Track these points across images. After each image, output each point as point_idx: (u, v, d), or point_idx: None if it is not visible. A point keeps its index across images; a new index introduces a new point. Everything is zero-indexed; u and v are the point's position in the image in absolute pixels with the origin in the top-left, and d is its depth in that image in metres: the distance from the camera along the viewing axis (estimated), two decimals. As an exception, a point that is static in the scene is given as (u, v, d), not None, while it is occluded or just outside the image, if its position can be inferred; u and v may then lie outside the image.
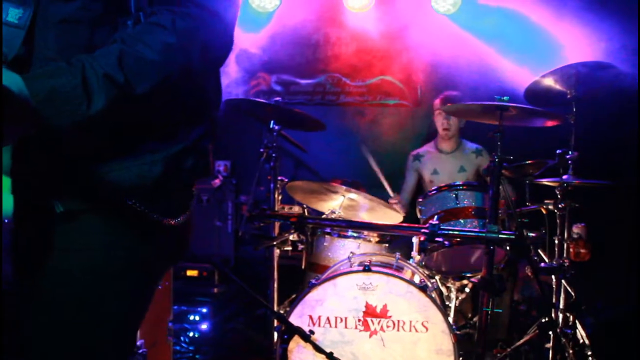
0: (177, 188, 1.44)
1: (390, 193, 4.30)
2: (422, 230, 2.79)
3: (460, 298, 3.64)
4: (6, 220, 1.19)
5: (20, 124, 1.13)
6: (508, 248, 3.26)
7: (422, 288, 2.84)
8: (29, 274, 1.33)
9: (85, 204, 1.31)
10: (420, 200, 3.60)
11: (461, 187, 3.40)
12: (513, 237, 2.78)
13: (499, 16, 4.88)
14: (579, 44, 4.36)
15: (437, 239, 2.84)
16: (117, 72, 1.19)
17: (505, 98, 2.97)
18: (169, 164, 1.35)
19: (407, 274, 3.19)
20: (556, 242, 3.44)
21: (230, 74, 5.37)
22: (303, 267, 3.72)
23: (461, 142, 4.52)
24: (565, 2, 4.55)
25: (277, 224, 3.63)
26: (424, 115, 5.23)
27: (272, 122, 3.57)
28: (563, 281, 3.41)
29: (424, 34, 5.12)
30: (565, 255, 3.47)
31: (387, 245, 3.63)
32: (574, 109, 3.55)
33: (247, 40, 5.45)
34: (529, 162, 3.48)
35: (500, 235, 2.75)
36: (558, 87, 3.57)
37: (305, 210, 3.92)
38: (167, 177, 1.36)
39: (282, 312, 3.46)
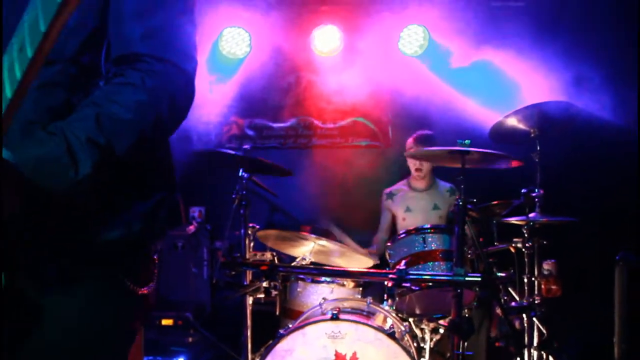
0: (151, 246, 1.48)
1: (361, 251, 4.19)
2: (390, 276, 2.80)
3: (435, 339, 3.63)
4: None
5: (10, 195, 1.13)
6: (477, 289, 3.27)
7: (391, 334, 2.84)
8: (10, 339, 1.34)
9: (75, 269, 1.33)
10: (389, 244, 3.62)
11: (429, 230, 3.42)
12: (480, 279, 2.80)
13: (463, 59, 4.99)
14: (537, 82, 4.47)
15: (404, 284, 2.85)
16: (97, 135, 1.22)
17: (466, 142, 3.03)
18: (146, 218, 1.39)
19: (378, 319, 3.18)
20: (525, 280, 3.47)
21: (203, 119, 5.40)
22: (277, 313, 3.71)
23: (434, 181, 4.56)
24: (520, 45, 4.69)
25: (249, 272, 3.63)
26: (395, 155, 5.27)
27: (240, 170, 3.60)
28: (534, 319, 3.42)
29: (393, 76, 5.22)
30: (536, 292, 3.50)
31: (360, 289, 3.63)
32: (538, 147, 3.62)
33: (219, 86, 5.51)
34: (495, 202, 3.53)
35: (466, 278, 2.76)
36: (521, 126, 3.64)
37: (276, 258, 3.92)
38: (146, 232, 1.39)
39: (255, 361, 3.44)
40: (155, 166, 1.45)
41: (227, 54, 5.43)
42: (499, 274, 3.29)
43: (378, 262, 4.01)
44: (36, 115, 1.30)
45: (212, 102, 5.47)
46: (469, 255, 3.34)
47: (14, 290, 1.30)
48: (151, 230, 1.42)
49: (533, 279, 3.50)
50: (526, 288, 3.47)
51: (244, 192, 3.63)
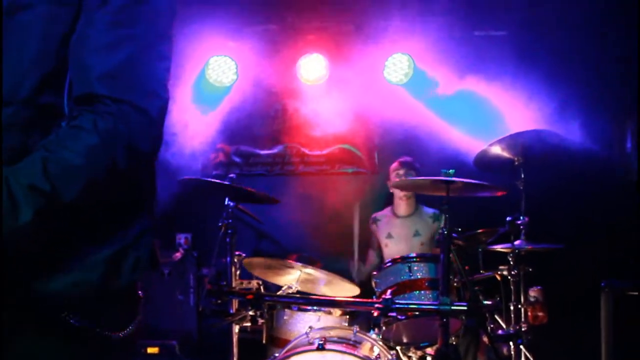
0: (119, 292, 1.40)
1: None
2: (376, 306, 2.81)
3: (422, 368, 3.62)
4: None
5: None
6: (463, 317, 3.28)
7: (377, 365, 2.83)
8: None
9: (31, 318, 1.28)
10: (375, 273, 3.63)
11: (415, 259, 3.43)
12: (466, 307, 2.81)
13: (447, 87, 5.05)
14: (520, 111, 4.54)
15: (390, 313, 2.84)
16: (42, 182, 1.19)
17: (450, 171, 3.06)
18: (108, 265, 1.33)
19: (365, 349, 3.17)
20: (512, 307, 3.48)
21: (190, 147, 5.41)
22: (264, 341, 3.68)
23: (418, 207, 4.59)
24: (503, 74, 4.77)
25: (235, 300, 3.61)
26: (382, 181, 5.28)
27: (226, 199, 3.62)
28: (521, 346, 3.43)
29: (379, 103, 5.27)
30: (522, 319, 3.51)
31: (347, 317, 3.62)
32: (522, 175, 3.66)
33: (205, 114, 5.53)
34: (480, 230, 3.55)
35: (452, 307, 2.77)
36: (505, 154, 3.69)
37: (262, 286, 3.91)
38: (107, 279, 1.33)
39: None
40: (120, 210, 1.38)
41: (214, 82, 5.46)
42: (485, 302, 3.30)
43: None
44: None
45: (198, 129, 5.47)
46: (455, 284, 3.35)
47: None
48: (116, 279, 1.35)
49: (519, 306, 3.51)
50: (512, 315, 3.49)
51: (230, 221, 3.63)
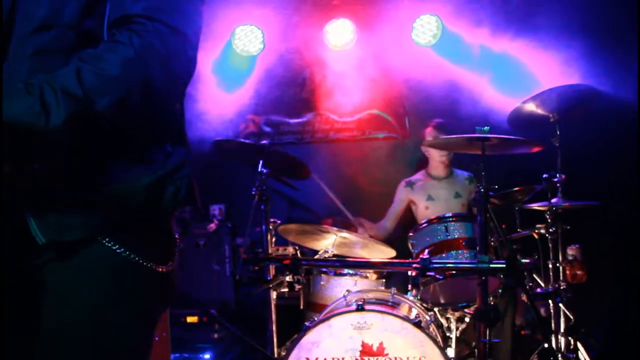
0: (159, 222, 1.45)
1: (350, 217, 4.33)
2: (414, 266, 2.80)
3: (460, 328, 3.61)
4: None
5: None
6: (502, 276, 3.26)
7: (417, 324, 2.84)
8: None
9: (74, 235, 1.31)
10: (411, 234, 3.61)
11: (451, 219, 3.41)
12: (504, 265, 2.79)
13: (477, 46, 4.96)
14: (553, 67, 4.43)
15: (429, 273, 2.84)
16: (75, 87, 1.21)
17: (486, 128, 3.02)
18: (149, 191, 1.37)
19: (403, 310, 3.19)
20: (550, 266, 3.45)
21: (220, 117, 5.43)
22: (301, 307, 3.72)
23: (452, 170, 4.55)
24: (535, 29, 4.65)
25: (272, 266, 3.64)
26: (413, 146, 5.25)
27: (260, 165, 3.61)
28: (561, 305, 3.41)
29: (407, 66, 5.19)
30: (561, 278, 3.48)
31: (384, 280, 3.64)
32: (558, 132, 3.60)
33: (234, 84, 5.53)
34: (517, 188, 3.51)
35: (491, 265, 2.75)
36: (540, 111, 3.62)
37: (298, 251, 3.93)
38: (151, 204, 1.37)
39: (282, 354, 3.45)
40: (158, 134, 1.41)
41: (241, 52, 5.44)
42: (523, 261, 3.28)
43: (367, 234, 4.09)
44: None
45: (227, 100, 5.49)
46: (492, 243, 3.33)
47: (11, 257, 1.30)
48: (158, 205, 1.39)
49: (557, 264, 3.48)
50: (551, 274, 3.46)
51: (264, 188, 3.64)
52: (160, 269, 1.43)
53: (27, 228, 1.29)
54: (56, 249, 1.32)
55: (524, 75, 4.68)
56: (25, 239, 1.30)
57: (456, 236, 3.35)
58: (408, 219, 4.66)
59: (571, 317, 3.42)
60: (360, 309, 2.88)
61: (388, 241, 4.16)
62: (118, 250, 1.35)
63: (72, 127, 1.22)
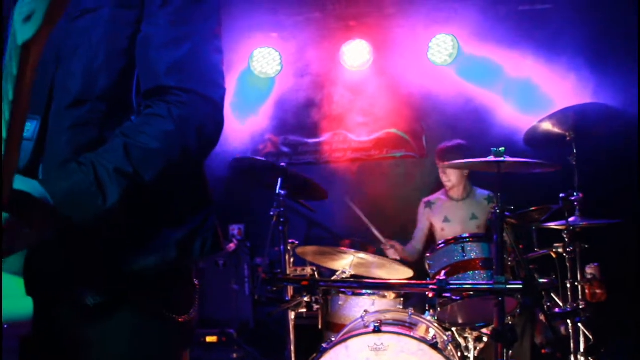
0: (185, 275, 1.53)
1: (382, 239, 4.40)
2: (431, 287, 2.81)
3: (479, 348, 3.61)
4: (5, 326, 1.23)
5: (41, 226, 1.22)
6: (519, 296, 3.25)
7: (433, 345, 2.84)
8: None
9: (112, 296, 1.38)
10: (428, 255, 3.62)
11: (468, 240, 3.42)
12: (521, 286, 2.78)
13: (494, 65, 4.98)
14: (568, 86, 4.44)
15: (445, 294, 2.85)
16: (125, 164, 1.29)
17: (501, 150, 3.03)
18: (180, 247, 1.43)
19: (420, 330, 3.19)
20: (568, 285, 3.43)
21: (239, 138, 5.50)
22: (320, 327, 3.74)
23: (472, 189, 4.54)
24: (550, 48, 4.67)
25: (290, 287, 3.67)
26: (431, 164, 5.26)
27: (278, 185, 3.67)
28: (580, 325, 3.38)
29: (424, 86, 5.24)
30: (580, 297, 3.46)
31: (402, 300, 3.64)
32: (574, 150, 3.60)
33: (252, 105, 5.61)
34: (533, 208, 3.51)
35: (507, 286, 2.75)
36: (556, 130, 3.64)
37: (316, 273, 3.96)
38: (181, 260, 1.44)
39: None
40: (188, 194, 1.49)
41: (259, 74, 5.53)
42: (541, 280, 3.27)
43: (402, 257, 4.18)
44: (70, 153, 1.36)
45: (246, 121, 5.56)
46: (510, 263, 3.33)
47: (48, 317, 1.35)
48: (187, 258, 1.46)
49: (576, 283, 3.47)
50: (569, 293, 3.44)
51: (282, 209, 3.69)
52: (182, 319, 1.49)
53: (72, 293, 1.36)
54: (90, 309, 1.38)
55: (540, 94, 4.69)
56: (69, 302, 1.37)
57: (473, 257, 3.35)
58: (431, 240, 4.68)
59: (590, 337, 3.40)
60: (377, 330, 2.89)
61: (419, 262, 4.20)
62: (143, 304, 1.42)
63: (123, 202, 1.29)
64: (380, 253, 3.80)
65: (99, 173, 1.27)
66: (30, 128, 1.37)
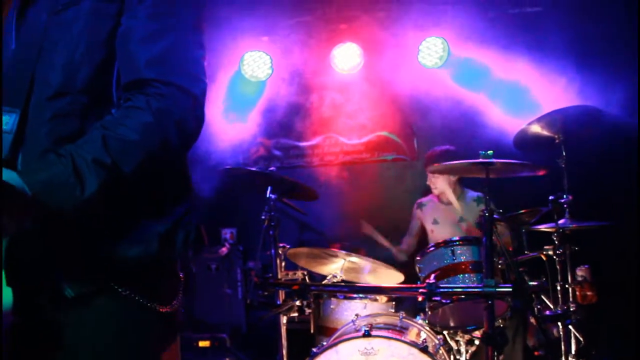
0: (167, 266, 1.53)
1: (390, 247, 4.56)
2: (420, 291, 2.81)
3: (470, 351, 3.61)
4: None
5: (20, 216, 1.22)
6: (509, 299, 3.26)
7: (424, 349, 2.85)
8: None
9: (93, 287, 1.39)
10: (418, 258, 3.63)
11: (457, 243, 3.42)
12: (511, 289, 2.79)
13: (483, 68, 5.00)
14: (557, 88, 4.45)
15: (435, 297, 2.85)
16: (104, 156, 1.29)
17: (489, 152, 3.04)
18: (162, 239, 1.44)
19: (411, 334, 3.19)
20: (559, 288, 3.44)
21: (230, 142, 5.50)
22: (312, 331, 3.74)
23: (462, 192, 4.55)
24: (539, 50, 4.69)
25: (281, 291, 3.67)
26: (422, 167, 5.28)
27: (268, 191, 3.67)
28: (571, 327, 3.39)
29: (415, 88, 5.25)
30: (571, 299, 3.46)
31: (394, 303, 3.64)
32: (564, 153, 3.61)
33: (244, 109, 5.61)
34: (523, 211, 3.51)
35: (497, 289, 2.76)
36: (545, 132, 3.64)
37: (306, 277, 3.96)
38: (163, 252, 1.45)
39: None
40: (170, 186, 1.50)
41: (250, 77, 5.53)
42: (531, 283, 3.27)
43: (405, 259, 4.25)
44: (50, 144, 1.37)
45: (237, 125, 5.56)
46: (500, 266, 3.33)
47: (29, 307, 1.36)
48: (170, 251, 1.47)
49: (566, 286, 3.47)
50: (560, 296, 3.44)
51: (273, 213, 3.69)
52: (163, 310, 1.49)
53: (53, 283, 1.36)
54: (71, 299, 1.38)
55: (529, 97, 4.71)
56: (50, 292, 1.37)
57: (462, 260, 3.36)
58: (423, 241, 4.70)
59: (581, 339, 3.40)
60: (367, 334, 2.90)
61: (410, 265, 4.22)
62: (124, 294, 1.42)
63: (102, 193, 1.29)
64: (371, 255, 3.80)
65: (78, 163, 1.27)
66: (9, 121, 1.38)
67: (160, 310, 1.48)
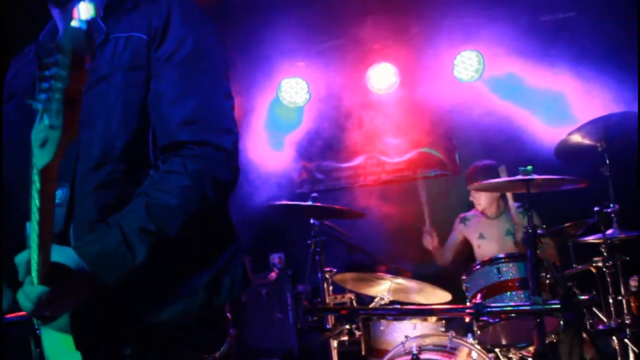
0: (217, 313, 1.57)
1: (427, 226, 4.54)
2: (467, 311, 2.82)
3: (524, 368, 3.56)
4: None
5: (80, 292, 1.31)
6: (559, 315, 3.21)
7: (474, 371, 2.83)
8: None
9: (147, 344, 1.44)
10: (465, 277, 3.61)
11: (503, 260, 3.40)
12: (559, 305, 2.77)
13: (518, 79, 4.95)
14: (596, 95, 4.37)
15: (482, 317, 2.85)
16: (148, 223, 1.37)
17: (529, 168, 3.02)
18: (208, 289, 1.49)
19: (462, 354, 3.17)
20: (611, 300, 3.36)
21: (273, 168, 5.58)
22: (363, 353, 3.75)
23: (505, 206, 4.49)
24: (575, 57, 4.61)
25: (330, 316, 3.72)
26: (465, 181, 5.25)
27: (312, 217, 3.75)
28: (627, 340, 3.31)
29: (452, 103, 5.24)
30: (625, 312, 3.38)
31: (443, 322, 3.63)
32: (607, 161, 3.55)
33: (284, 134, 5.70)
34: (568, 224, 3.46)
35: (545, 306, 2.74)
36: (587, 141, 3.60)
37: (354, 300, 3.99)
38: (209, 301, 1.49)
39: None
40: (212, 236, 1.54)
41: (288, 103, 5.61)
42: (581, 297, 3.22)
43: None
44: (97, 213, 1.44)
45: (279, 151, 5.65)
46: (548, 281, 3.29)
47: None
48: (217, 298, 1.51)
49: (620, 297, 3.39)
50: (612, 309, 3.37)
51: (317, 239, 3.77)
52: (217, 355, 1.54)
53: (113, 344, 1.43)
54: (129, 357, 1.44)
55: (567, 105, 4.63)
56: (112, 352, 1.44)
57: (509, 277, 3.33)
58: (467, 256, 4.66)
59: (638, 352, 3.31)
60: (415, 358, 2.90)
61: (456, 283, 4.19)
62: (176, 348, 1.48)
63: (151, 258, 1.37)
64: (417, 277, 3.80)
65: (126, 233, 1.35)
66: (62, 195, 1.45)
67: (210, 358, 1.53)
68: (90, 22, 1.06)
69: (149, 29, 1.53)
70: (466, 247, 4.70)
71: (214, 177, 1.46)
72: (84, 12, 1.40)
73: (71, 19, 1.42)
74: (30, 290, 1.23)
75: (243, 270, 1.57)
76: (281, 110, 5.67)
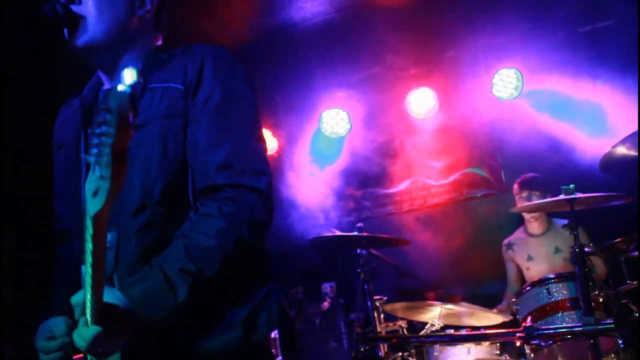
0: (257, 348, 1.61)
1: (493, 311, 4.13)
2: (518, 335, 2.80)
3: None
4: None
5: (129, 332, 1.38)
6: (615, 334, 3.14)
7: (529, 395, 2.79)
8: None
9: None
10: (514, 300, 3.57)
11: (552, 280, 3.34)
12: (612, 325, 2.72)
13: (558, 93, 4.90)
14: (631, 107, 4.28)
15: (534, 341, 2.82)
16: (188, 264, 1.44)
17: (571, 187, 3.00)
18: (245, 324, 1.56)
19: (517, 378, 3.14)
20: (670, 315, 3.27)
21: (319, 199, 5.66)
22: (418, 379, 3.75)
23: (551, 222, 4.40)
24: (616, 67, 4.54)
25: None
26: (513, 199, 5.20)
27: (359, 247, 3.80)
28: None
29: (493, 122, 5.22)
30: (686, 325, 3.28)
31: (498, 345, 3.59)
32: (655, 173, 3.47)
33: (328, 164, 5.77)
34: (618, 240, 3.39)
35: (598, 327, 2.70)
36: (632, 153, 3.53)
37: (404, 328, 3.99)
38: (247, 335, 1.55)
39: None
40: (249, 273, 1.61)
41: (330, 134, 5.69)
42: (636, 314, 3.15)
43: (510, 318, 3.87)
44: (139, 256, 1.53)
45: (324, 181, 5.72)
46: (601, 299, 3.22)
47: None
48: (254, 334, 1.56)
49: (678, 310, 3.29)
50: (672, 324, 3.27)
51: (366, 268, 3.81)
52: None
53: None
54: None
55: (608, 117, 4.55)
56: None
57: (560, 298, 3.27)
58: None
59: None
60: (469, 384, 2.88)
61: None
62: None
63: (191, 297, 1.44)
64: (468, 300, 3.78)
65: (168, 273, 1.42)
66: (111, 239, 1.55)
67: None
68: (134, 86, 1.15)
69: (184, 79, 1.63)
70: (520, 272, 4.60)
71: (249, 218, 1.53)
72: (128, 77, 1.50)
73: (117, 82, 1.55)
74: (85, 332, 1.31)
75: (279, 306, 1.63)
76: (323, 141, 5.76)
